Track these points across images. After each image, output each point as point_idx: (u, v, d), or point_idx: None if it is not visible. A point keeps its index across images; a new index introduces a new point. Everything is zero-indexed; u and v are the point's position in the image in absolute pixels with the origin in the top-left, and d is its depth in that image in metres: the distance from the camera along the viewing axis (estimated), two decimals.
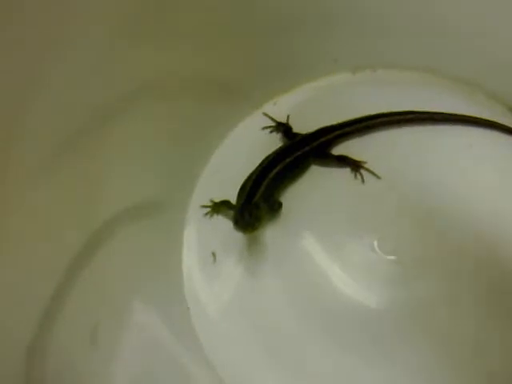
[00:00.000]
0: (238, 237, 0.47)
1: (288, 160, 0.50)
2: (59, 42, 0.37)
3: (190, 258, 0.50)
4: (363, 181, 0.51)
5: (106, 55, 0.41)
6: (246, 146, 0.55)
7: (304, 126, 0.54)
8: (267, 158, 0.51)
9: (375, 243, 0.47)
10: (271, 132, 0.56)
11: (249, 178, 0.50)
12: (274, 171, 0.49)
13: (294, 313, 0.47)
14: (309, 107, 0.56)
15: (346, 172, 0.51)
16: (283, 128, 0.55)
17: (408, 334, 0.44)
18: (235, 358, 0.46)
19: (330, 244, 0.48)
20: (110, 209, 0.44)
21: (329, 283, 0.47)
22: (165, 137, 0.50)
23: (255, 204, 0.46)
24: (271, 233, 0.49)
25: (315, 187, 0.52)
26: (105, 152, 0.43)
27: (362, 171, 0.51)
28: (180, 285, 0.49)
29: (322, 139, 0.52)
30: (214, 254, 0.50)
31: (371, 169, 0.51)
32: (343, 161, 0.52)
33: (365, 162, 0.51)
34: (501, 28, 0.49)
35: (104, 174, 0.44)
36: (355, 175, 0.51)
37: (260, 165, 0.51)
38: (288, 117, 0.56)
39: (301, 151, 0.51)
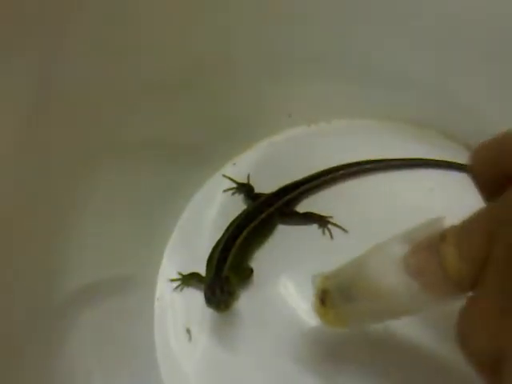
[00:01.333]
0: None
1: (253, 224, 0.49)
2: None
3: (164, 338, 0.48)
4: (331, 236, 0.50)
5: None
6: (210, 210, 0.54)
7: (266, 183, 0.54)
8: (232, 223, 0.50)
9: None
10: (233, 194, 0.55)
11: (215, 247, 0.49)
12: (241, 238, 0.48)
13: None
14: (268, 164, 0.55)
15: (313, 228, 0.51)
16: (245, 189, 0.54)
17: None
18: None
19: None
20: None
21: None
22: (126, 207, 0.49)
23: (225, 277, 0.44)
24: (246, 301, 0.48)
25: (284, 247, 0.51)
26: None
27: (330, 226, 0.51)
28: (156, 367, 0.47)
29: (286, 198, 0.52)
30: (188, 331, 0.48)
31: (338, 222, 0.50)
32: (309, 218, 0.51)
33: (330, 217, 0.51)
34: (452, 69, 0.50)
35: None
36: (323, 231, 0.50)
37: (225, 232, 0.50)
38: (248, 176, 0.55)
39: (266, 213, 0.50)
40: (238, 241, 0.48)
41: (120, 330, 0.45)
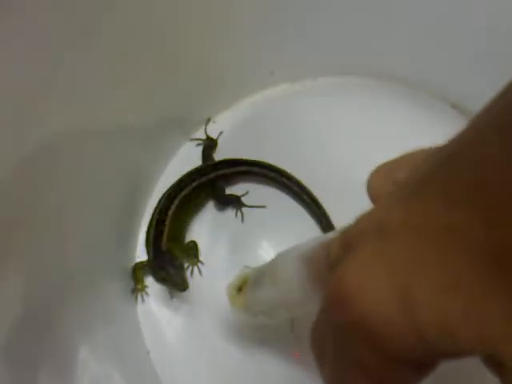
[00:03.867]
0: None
1: (185, 193, 0.48)
2: None
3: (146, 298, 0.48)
4: (242, 220, 0.49)
5: None
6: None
7: (245, 145, 0.52)
8: (163, 195, 0.49)
9: None
10: (197, 145, 0.53)
11: (150, 222, 0.48)
12: (173, 208, 0.47)
13: (258, 339, 0.45)
14: (249, 125, 0.53)
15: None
16: (207, 143, 0.52)
17: None
18: None
19: None
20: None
21: None
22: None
23: (167, 251, 0.45)
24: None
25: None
26: None
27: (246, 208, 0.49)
28: (137, 329, 0.47)
29: (221, 172, 0.50)
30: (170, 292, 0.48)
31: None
32: (229, 201, 0.50)
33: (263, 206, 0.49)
34: (443, 24, 0.47)
35: None
36: (235, 213, 0.49)
37: (157, 205, 0.48)
38: (220, 133, 0.53)
39: (197, 182, 0.49)
40: (171, 212, 0.47)
41: (101, 300, 0.45)
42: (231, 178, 0.51)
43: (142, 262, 0.47)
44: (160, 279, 0.44)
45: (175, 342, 0.47)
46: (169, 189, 0.49)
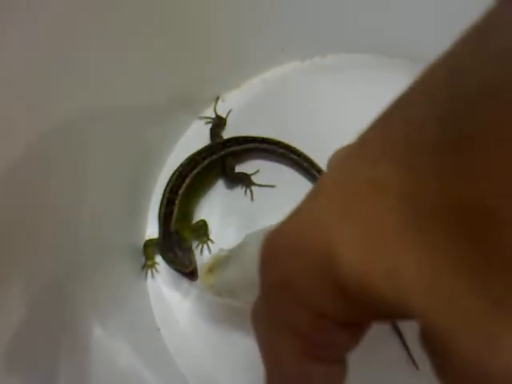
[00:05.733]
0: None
1: (196, 171, 0.48)
2: None
3: (155, 277, 0.49)
4: (252, 198, 0.49)
5: None
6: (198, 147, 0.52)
7: (255, 123, 0.52)
8: (173, 174, 0.48)
9: None
10: (206, 123, 0.52)
11: (161, 201, 0.48)
12: (184, 187, 0.47)
13: None
14: (259, 102, 0.53)
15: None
16: (216, 121, 0.52)
17: None
18: (211, 371, 0.46)
19: None
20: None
21: None
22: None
23: (175, 232, 0.45)
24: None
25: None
26: None
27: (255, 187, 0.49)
28: (148, 307, 0.48)
29: (230, 149, 0.49)
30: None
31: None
32: (239, 179, 0.50)
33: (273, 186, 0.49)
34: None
35: None
36: (245, 191, 0.49)
37: (168, 183, 0.48)
38: (229, 112, 0.53)
39: (208, 160, 0.48)
40: (181, 191, 0.47)
41: (112, 277, 0.46)
42: (240, 156, 0.50)
43: (152, 240, 0.47)
44: (168, 260, 0.44)
45: (185, 319, 0.47)
46: (179, 167, 0.49)
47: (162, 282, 0.48)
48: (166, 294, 0.48)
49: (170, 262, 0.44)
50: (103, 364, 0.42)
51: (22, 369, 0.34)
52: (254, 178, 0.50)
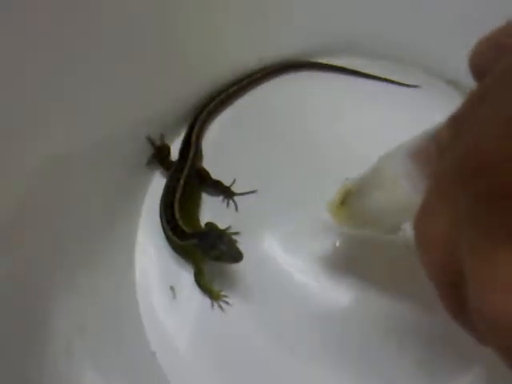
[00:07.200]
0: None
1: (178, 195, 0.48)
2: None
3: (147, 298, 0.46)
4: (236, 209, 0.48)
5: None
6: None
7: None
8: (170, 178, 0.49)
9: None
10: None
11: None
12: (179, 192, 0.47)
13: (264, 336, 0.44)
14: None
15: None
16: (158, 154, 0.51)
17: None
18: None
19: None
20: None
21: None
22: None
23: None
24: None
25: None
26: None
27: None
28: (141, 329, 0.45)
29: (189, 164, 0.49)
30: (172, 289, 0.46)
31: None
32: (217, 187, 0.49)
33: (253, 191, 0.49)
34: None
35: None
36: (227, 203, 0.49)
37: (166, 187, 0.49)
38: (162, 136, 0.52)
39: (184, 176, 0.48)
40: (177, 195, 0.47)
41: (103, 290, 0.44)
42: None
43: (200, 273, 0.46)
44: (214, 258, 0.42)
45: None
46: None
47: (154, 293, 0.46)
48: (156, 306, 0.46)
49: (217, 258, 0.42)
50: None
51: None
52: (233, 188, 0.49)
